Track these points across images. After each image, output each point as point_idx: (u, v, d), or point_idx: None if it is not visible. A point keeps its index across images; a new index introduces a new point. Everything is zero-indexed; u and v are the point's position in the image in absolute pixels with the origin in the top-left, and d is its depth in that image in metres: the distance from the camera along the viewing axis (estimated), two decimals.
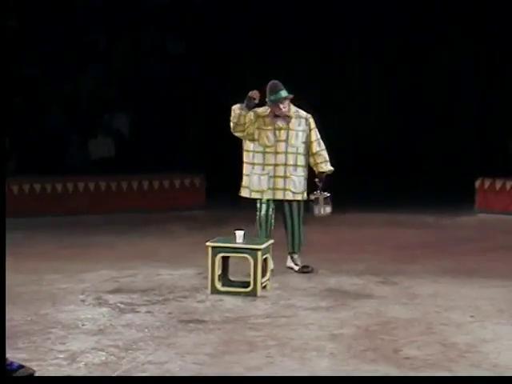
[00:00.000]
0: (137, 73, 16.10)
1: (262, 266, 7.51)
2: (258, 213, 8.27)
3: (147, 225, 11.97)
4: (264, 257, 7.57)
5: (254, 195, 8.20)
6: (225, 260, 7.66)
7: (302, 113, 8.26)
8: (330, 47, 16.85)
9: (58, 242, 10.42)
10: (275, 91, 8.06)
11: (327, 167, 8.25)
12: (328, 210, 8.29)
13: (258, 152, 8.13)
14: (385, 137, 17.04)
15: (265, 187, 8.14)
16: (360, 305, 7.15)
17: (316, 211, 8.27)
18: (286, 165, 8.12)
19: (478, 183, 13.20)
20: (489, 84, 16.38)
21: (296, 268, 8.34)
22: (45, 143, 14.44)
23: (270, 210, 8.23)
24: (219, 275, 7.54)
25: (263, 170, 8.13)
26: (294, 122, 8.17)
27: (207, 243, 7.55)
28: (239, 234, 7.58)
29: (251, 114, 8.08)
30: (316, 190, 8.26)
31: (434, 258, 9.43)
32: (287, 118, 8.15)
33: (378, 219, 12.39)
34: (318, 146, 8.21)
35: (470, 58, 16.39)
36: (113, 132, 15.30)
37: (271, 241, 7.81)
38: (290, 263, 8.42)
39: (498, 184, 13.01)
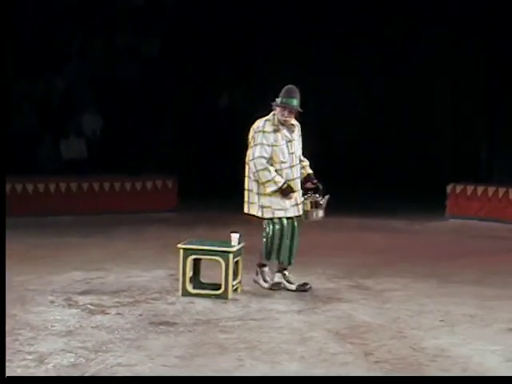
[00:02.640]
0: (110, 74, 16.02)
1: (234, 269, 7.50)
2: (270, 231, 7.63)
3: (118, 226, 11.91)
4: (236, 259, 7.55)
5: (278, 214, 7.61)
6: (196, 262, 7.63)
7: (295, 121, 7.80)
8: (306, 59, 16.88)
9: (28, 243, 10.33)
10: (290, 96, 7.57)
11: (310, 170, 7.93)
12: (321, 214, 7.82)
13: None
14: (357, 143, 17.09)
15: (288, 205, 7.62)
16: (331, 308, 7.16)
17: (314, 216, 7.76)
18: (298, 177, 7.75)
19: (449, 188, 13.27)
20: (461, 91, 16.48)
21: (293, 287, 7.71)
22: (16, 143, 14.31)
23: (289, 227, 7.65)
24: (190, 277, 7.51)
25: None
26: (296, 132, 7.73)
27: (179, 245, 7.52)
28: (235, 236, 7.55)
29: (265, 141, 7.52)
30: (314, 193, 7.76)
31: (406, 262, 9.46)
32: (292, 126, 7.68)
33: (350, 224, 12.42)
34: (302, 153, 7.92)
35: (443, 66, 16.47)
36: (85, 133, 15.22)
37: (243, 244, 7.76)
38: (279, 279, 7.78)
39: (469, 190, 13.09)
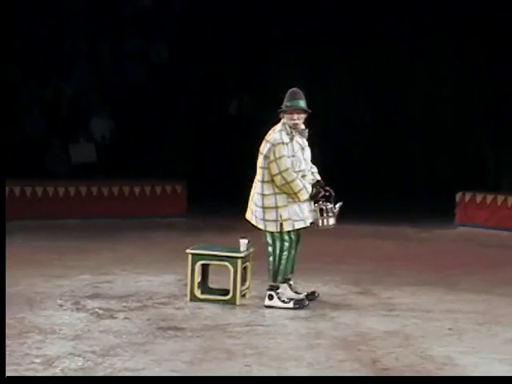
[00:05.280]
0: (119, 78, 16.07)
1: (242, 274, 7.49)
2: (282, 249, 7.35)
3: (127, 231, 11.92)
4: (244, 265, 7.55)
5: (298, 225, 7.34)
6: (205, 267, 7.64)
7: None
8: (314, 65, 16.91)
9: (37, 246, 10.35)
10: (293, 98, 7.38)
11: (319, 177, 7.66)
12: (332, 221, 7.47)
13: None
14: (365, 151, 17.08)
15: (306, 213, 7.38)
16: (339, 315, 7.15)
17: (325, 223, 7.41)
18: (310, 184, 7.47)
19: (458, 196, 13.24)
20: (469, 97, 16.46)
21: (302, 296, 7.49)
22: (25, 147, 14.36)
23: (296, 238, 7.44)
24: (199, 282, 7.52)
25: None
26: (306, 137, 7.53)
27: (187, 250, 7.53)
28: (243, 242, 7.52)
29: (287, 153, 7.29)
30: (326, 201, 7.42)
31: (414, 270, 9.45)
32: (304, 131, 7.46)
33: (359, 231, 12.39)
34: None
35: (450, 72, 16.46)
36: (94, 137, 15.26)
37: (251, 249, 7.75)
38: (290, 293, 7.50)
39: (479, 198, 13.05)
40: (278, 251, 7.38)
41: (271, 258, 7.41)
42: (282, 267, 7.41)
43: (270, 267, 7.42)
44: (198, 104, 16.40)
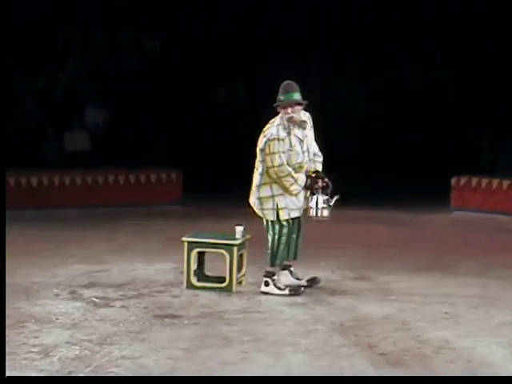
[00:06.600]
0: (113, 67, 16.03)
1: (238, 262, 7.50)
2: (280, 234, 7.39)
3: (123, 219, 11.91)
4: (240, 252, 7.56)
5: (294, 214, 7.40)
6: (201, 255, 7.64)
7: (305, 112, 7.56)
8: (306, 54, 16.89)
9: (32, 236, 10.34)
10: (287, 91, 7.31)
11: (320, 167, 7.63)
12: (326, 213, 7.44)
13: None
14: (360, 136, 17.08)
15: (302, 202, 7.44)
16: (335, 301, 7.16)
17: (319, 215, 7.39)
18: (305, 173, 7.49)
19: (453, 181, 13.24)
20: (463, 82, 16.47)
21: (303, 282, 7.54)
22: (19, 135, 14.33)
23: (296, 223, 7.49)
24: (195, 270, 7.52)
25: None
26: (308, 128, 7.48)
27: (183, 238, 7.53)
28: (239, 229, 7.52)
29: (282, 149, 7.30)
30: (323, 192, 7.39)
31: (410, 255, 9.46)
32: (303, 123, 7.42)
33: (354, 216, 12.39)
34: (316, 146, 7.66)
35: (445, 59, 16.46)
36: (89, 126, 15.23)
37: (247, 236, 7.75)
38: (291, 279, 7.57)
39: (474, 182, 13.06)
40: (276, 236, 7.41)
41: (269, 243, 7.45)
42: (279, 252, 7.43)
43: (268, 251, 7.46)
44: (192, 91, 16.36)
